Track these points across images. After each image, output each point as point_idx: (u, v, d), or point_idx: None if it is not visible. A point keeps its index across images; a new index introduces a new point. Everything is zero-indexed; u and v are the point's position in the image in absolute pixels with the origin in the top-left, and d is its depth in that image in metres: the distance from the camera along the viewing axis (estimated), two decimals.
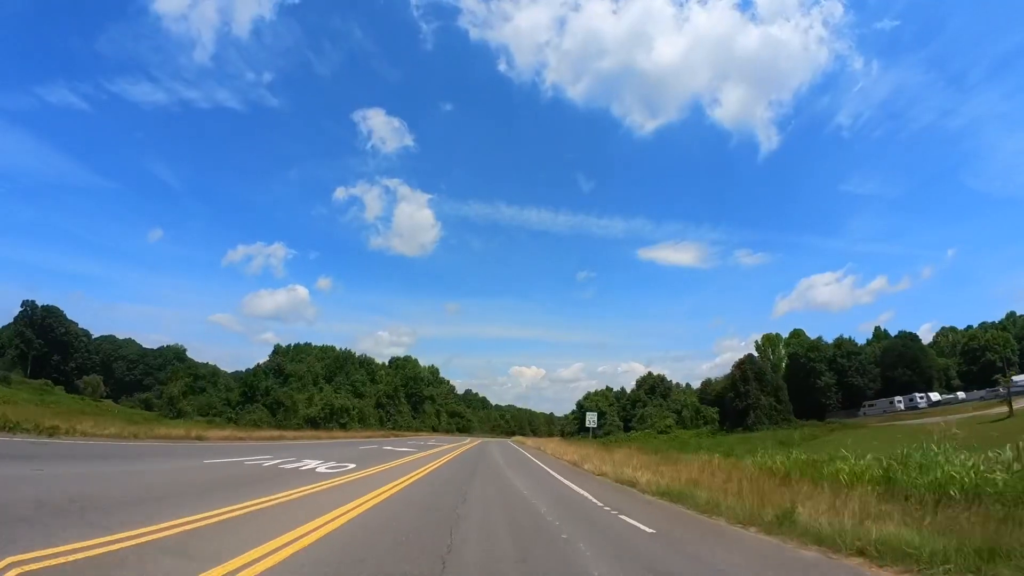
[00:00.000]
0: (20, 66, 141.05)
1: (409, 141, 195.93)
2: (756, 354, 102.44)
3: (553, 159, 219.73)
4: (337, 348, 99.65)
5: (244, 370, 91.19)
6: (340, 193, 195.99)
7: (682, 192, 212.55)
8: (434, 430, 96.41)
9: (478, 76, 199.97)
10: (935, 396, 78.21)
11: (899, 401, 76.35)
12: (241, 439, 27.69)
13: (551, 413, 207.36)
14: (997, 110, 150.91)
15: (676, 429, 77.44)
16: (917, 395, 77.77)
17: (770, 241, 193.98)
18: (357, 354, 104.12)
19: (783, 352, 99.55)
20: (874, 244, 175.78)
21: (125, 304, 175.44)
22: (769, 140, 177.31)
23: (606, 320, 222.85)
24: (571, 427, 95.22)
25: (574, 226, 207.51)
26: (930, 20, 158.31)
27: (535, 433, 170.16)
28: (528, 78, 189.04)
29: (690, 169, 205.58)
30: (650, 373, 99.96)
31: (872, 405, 78.91)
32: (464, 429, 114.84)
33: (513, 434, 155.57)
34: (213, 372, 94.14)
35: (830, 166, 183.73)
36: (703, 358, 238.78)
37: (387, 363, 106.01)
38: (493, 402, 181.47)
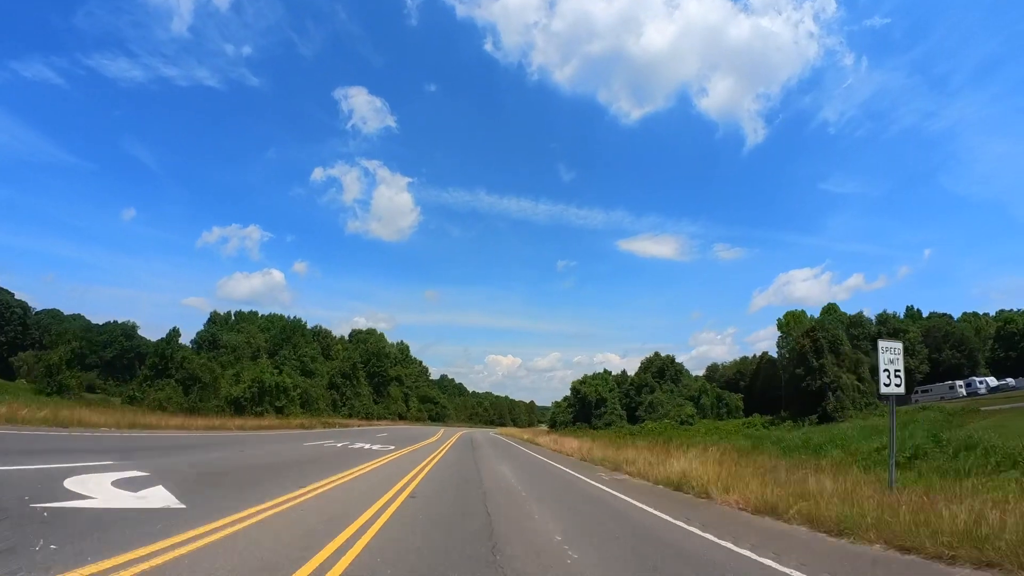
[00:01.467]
0: None
1: (391, 122, 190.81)
2: (781, 334, 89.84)
3: (535, 147, 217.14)
4: (285, 317, 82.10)
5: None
6: (318, 174, 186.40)
7: (664, 184, 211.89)
8: (401, 417, 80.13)
9: (464, 55, 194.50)
10: (992, 381, 67.11)
11: (961, 386, 64.90)
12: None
13: (531, 401, 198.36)
14: (977, 115, 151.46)
15: (700, 419, 63.30)
16: (976, 379, 66.34)
17: (749, 236, 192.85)
18: (310, 325, 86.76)
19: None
20: (852, 243, 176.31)
21: (99, 287, 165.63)
22: (755, 133, 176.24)
23: (584, 310, 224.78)
24: (565, 415, 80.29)
25: (554, 216, 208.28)
26: (917, 23, 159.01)
27: (515, 422, 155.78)
28: (515, 59, 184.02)
29: (674, 160, 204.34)
30: (657, 354, 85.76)
31: (927, 390, 67.06)
32: (438, 417, 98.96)
33: (493, 423, 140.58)
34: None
35: (812, 163, 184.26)
36: (679, 351, 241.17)
37: (347, 337, 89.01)
38: (470, 389, 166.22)
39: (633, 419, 78.06)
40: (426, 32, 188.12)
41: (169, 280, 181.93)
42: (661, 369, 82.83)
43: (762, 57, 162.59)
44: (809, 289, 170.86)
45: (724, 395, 73.96)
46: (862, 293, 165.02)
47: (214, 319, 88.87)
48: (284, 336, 78.28)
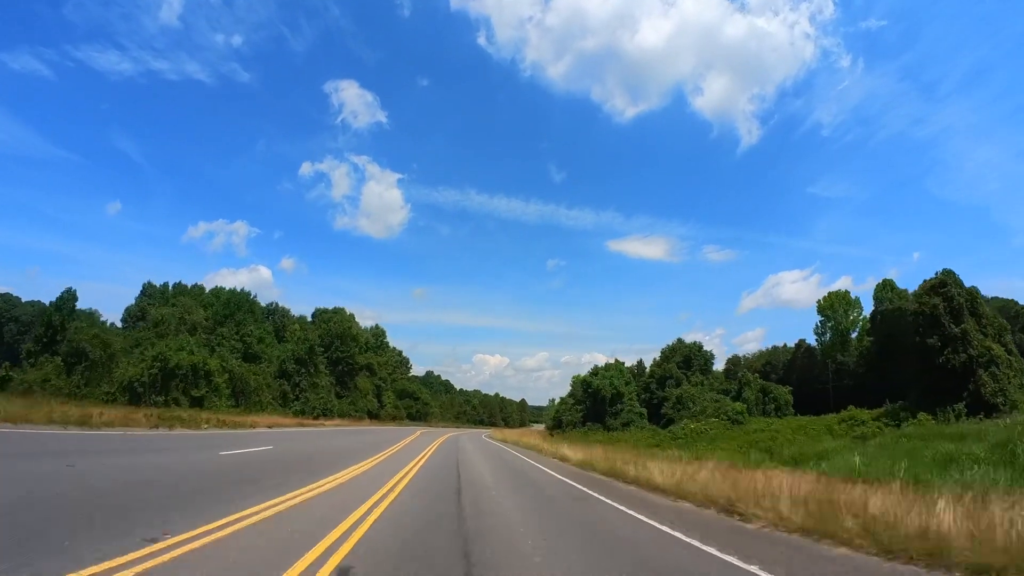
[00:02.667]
0: None
1: (382, 117, 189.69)
2: (822, 318, 76.68)
3: (527, 146, 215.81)
4: (229, 289, 66.88)
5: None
6: (307, 168, 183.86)
7: (655, 185, 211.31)
8: (372, 415, 65.24)
9: (456, 49, 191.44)
10: None
11: None
12: None
13: (523, 400, 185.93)
14: (965, 121, 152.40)
15: (757, 419, 49.68)
16: None
17: (739, 238, 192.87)
18: (264, 303, 71.48)
19: (858, 315, 73.75)
20: (841, 246, 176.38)
21: (85, 282, 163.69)
22: (750, 134, 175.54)
23: (572, 311, 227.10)
24: (572, 414, 66.01)
25: (544, 216, 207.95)
26: (908, 30, 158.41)
27: (506, 422, 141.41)
28: (508, 54, 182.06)
29: (666, 161, 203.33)
30: (680, 341, 71.96)
31: None
32: (419, 416, 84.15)
33: (482, 423, 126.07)
34: None
35: (803, 166, 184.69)
36: None
37: (310, 317, 73.92)
38: (457, 388, 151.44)
39: (656, 418, 64.13)
40: (419, 24, 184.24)
41: (155, 275, 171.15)
42: (687, 358, 69.00)
43: (757, 57, 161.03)
44: (798, 291, 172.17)
45: (770, 388, 60.33)
46: (852, 295, 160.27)
47: (148, 291, 73.39)
48: (227, 312, 63.03)
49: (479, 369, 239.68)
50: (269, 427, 32.77)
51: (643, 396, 67.32)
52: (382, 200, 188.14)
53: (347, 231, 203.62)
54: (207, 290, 70.97)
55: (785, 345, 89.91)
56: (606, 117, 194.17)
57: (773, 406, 58.34)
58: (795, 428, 37.60)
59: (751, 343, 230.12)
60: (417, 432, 45.36)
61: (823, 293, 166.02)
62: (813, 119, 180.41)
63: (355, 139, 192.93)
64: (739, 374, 63.10)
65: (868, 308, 76.06)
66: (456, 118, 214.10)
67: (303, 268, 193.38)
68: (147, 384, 38.43)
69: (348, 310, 71.34)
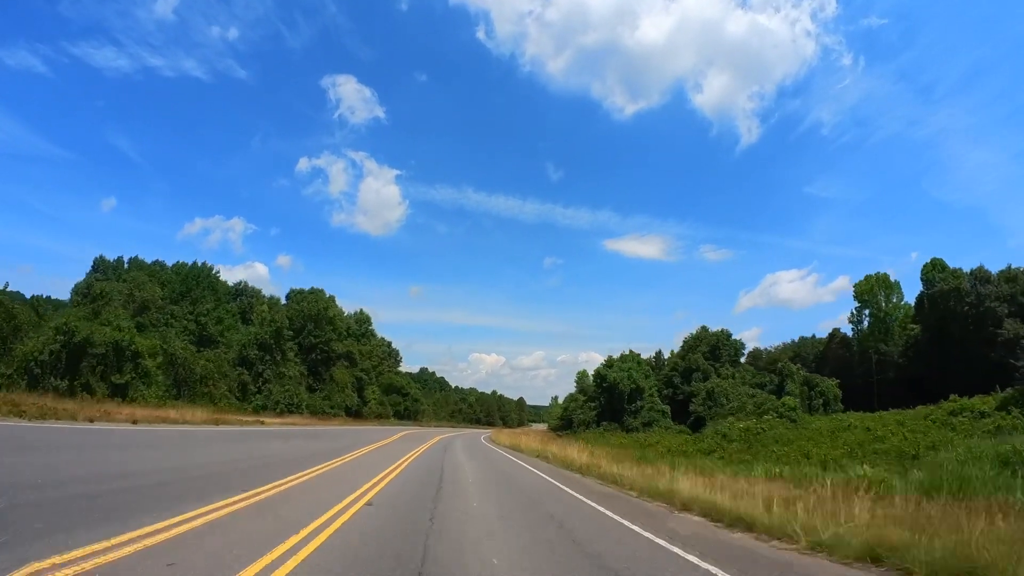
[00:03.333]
0: None
1: (380, 113, 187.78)
2: (858, 304, 68.35)
3: (524, 145, 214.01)
4: (196, 264, 57.93)
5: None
6: (303, 164, 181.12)
7: (653, 184, 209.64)
8: (351, 413, 56.21)
9: (455, 43, 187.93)
10: None
11: None
12: None
13: (520, 398, 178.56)
14: (961, 123, 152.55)
15: (817, 416, 41.17)
16: None
17: (736, 237, 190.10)
18: (230, 283, 62.43)
19: (898, 301, 65.65)
20: (838, 246, 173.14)
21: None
22: (750, 132, 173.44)
23: (569, 309, 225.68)
24: (585, 413, 57.27)
25: (541, 215, 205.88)
26: (908, 30, 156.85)
27: (504, 421, 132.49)
28: (507, 50, 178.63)
29: (664, 160, 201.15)
30: (704, 329, 63.47)
31: None
32: (407, 415, 75.15)
33: (479, 422, 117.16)
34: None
35: (801, 166, 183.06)
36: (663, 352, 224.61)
37: (284, 299, 64.84)
38: (453, 386, 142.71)
39: (680, 416, 55.59)
40: (417, 17, 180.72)
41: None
42: (714, 348, 60.54)
43: (758, 54, 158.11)
44: (795, 291, 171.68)
45: (815, 380, 51.78)
46: (848, 295, 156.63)
47: (100, 266, 64.23)
48: (184, 290, 54.03)
49: (475, 368, 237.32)
50: (210, 424, 24.04)
51: (665, 391, 58.80)
52: (379, 196, 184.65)
53: (344, 228, 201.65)
54: (169, 266, 61.92)
55: (814, 336, 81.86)
56: (605, 114, 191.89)
57: (820, 401, 49.83)
58: (888, 424, 29.03)
59: (749, 343, 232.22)
60: (398, 434, 36.67)
61: (821, 293, 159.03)
62: (812, 118, 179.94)
63: (352, 135, 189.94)
64: (779, 365, 54.48)
65: (909, 293, 69.17)
66: (454, 114, 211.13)
67: (299, 265, 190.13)
68: (45, 364, 29.41)
69: (329, 293, 62.32)
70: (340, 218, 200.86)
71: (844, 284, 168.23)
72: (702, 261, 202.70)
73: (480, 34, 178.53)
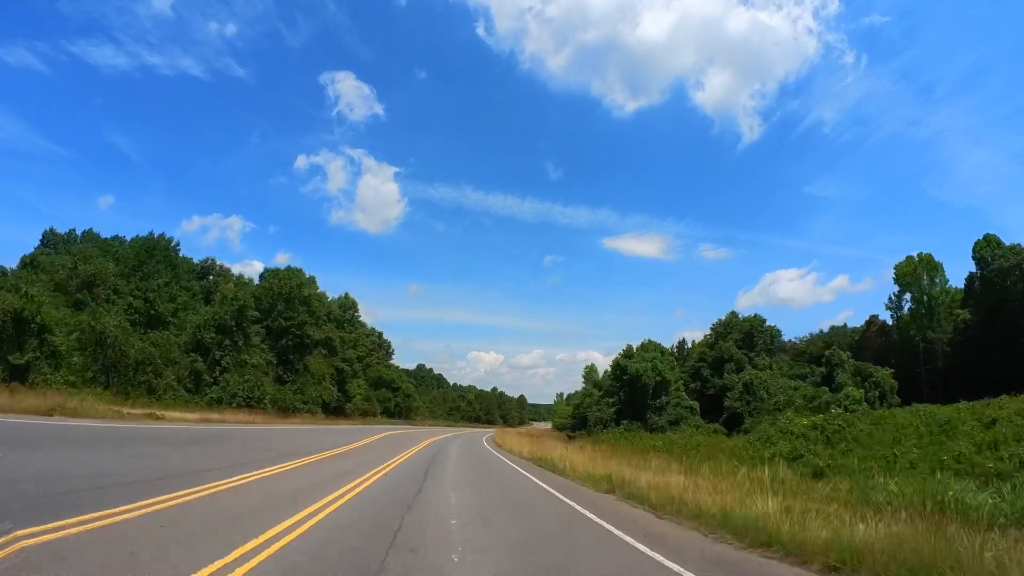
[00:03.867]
0: None
1: (379, 110, 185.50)
2: (899, 288, 61.09)
3: (523, 144, 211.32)
4: (146, 236, 50.36)
5: None
6: (302, 161, 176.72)
7: (652, 183, 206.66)
8: (329, 410, 48.58)
9: (454, 40, 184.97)
10: None
11: None
12: None
13: (521, 396, 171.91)
14: (961, 123, 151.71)
15: (884, 410, 33.80)
16: None
17: (735, 237, 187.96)
18: (196, 261, 54.78)
19: (944, 284, 58.62)
20: (838, 245, 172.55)
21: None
22: (751, 131, 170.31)
23: (568, 308, 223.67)
24: (603, 411, 49.71)
25: (540, 213, 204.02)
26: (909, 29, 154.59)
27: (505, 420, 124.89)
28: (507, 46, 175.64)
29: (664, 159, 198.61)
30: (734, 315, 56.07)
31: None
32: (398, 412, 67.57)
33: (479, 421, 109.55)
34: None
35: (801, 165, 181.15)
36: None
37: (257, 279, 57.16)
38: (451, 383, 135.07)
39: (710, 412, 48.20)
40: (417, 13, 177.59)
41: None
42: (748, 335, 53.13)
43: (760, 52, 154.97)
44: (795, 289, 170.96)
45: (869, 370, 44.36)
46: (848, 294, 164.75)
47: (49, 239, 56.61)
48: (138, 263, 46.48)
49: (474, 366, 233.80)
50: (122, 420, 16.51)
51: (692, 385, 51.42)
52: (378, 194, 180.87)
53: (342, 225, 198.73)
54: (124, 238, 54.23)
55: (845, 325, 74.65)
56: (605, 112, 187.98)
57: (876, 393, 42.41)
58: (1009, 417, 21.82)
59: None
60: (375, 436, 29.19)
61: (820, 292, 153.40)
62: (813, 116, 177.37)
63: (351, 132, 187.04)
64: (827, 353, 46.99)
65: (954, 276, 62.31)
66: (453, 112, 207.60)
67: (298, 263, 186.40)
68: None
69: (308, 273, 54.58)
70: (338, 216, 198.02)
71: (844, 284, 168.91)
72: (701, 260, 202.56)
73: (480, 30, 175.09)
